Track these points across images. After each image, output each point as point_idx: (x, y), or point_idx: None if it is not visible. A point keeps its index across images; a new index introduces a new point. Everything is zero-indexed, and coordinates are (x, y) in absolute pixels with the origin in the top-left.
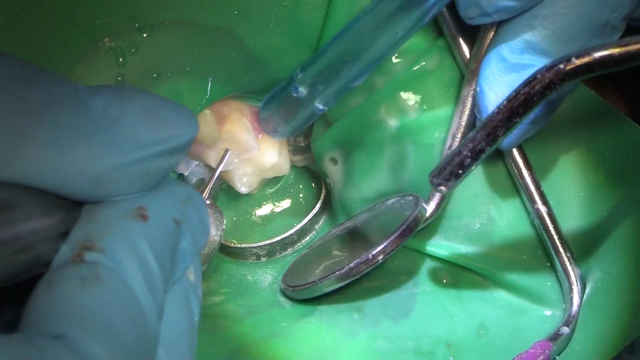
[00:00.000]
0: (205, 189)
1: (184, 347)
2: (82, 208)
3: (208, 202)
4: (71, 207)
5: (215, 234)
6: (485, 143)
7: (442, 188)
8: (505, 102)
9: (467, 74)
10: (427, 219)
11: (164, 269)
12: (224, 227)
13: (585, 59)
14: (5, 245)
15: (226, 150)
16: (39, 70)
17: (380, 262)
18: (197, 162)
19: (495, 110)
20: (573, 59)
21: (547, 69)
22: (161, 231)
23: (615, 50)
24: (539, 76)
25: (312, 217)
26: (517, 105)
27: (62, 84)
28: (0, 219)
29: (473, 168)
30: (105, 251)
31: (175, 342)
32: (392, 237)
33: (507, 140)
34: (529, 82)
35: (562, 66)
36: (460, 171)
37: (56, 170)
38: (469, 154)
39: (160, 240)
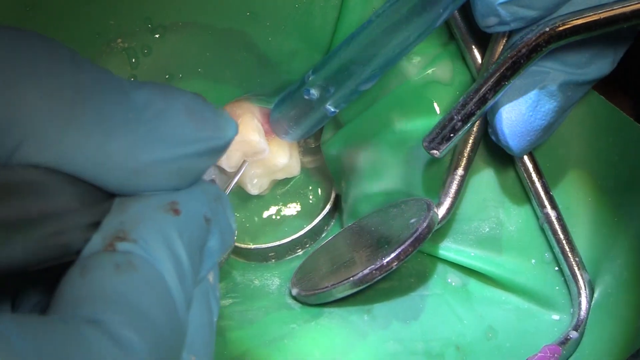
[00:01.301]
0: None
1: (204, 345)
2: (113, 200)
3: None
4: (103, 198)
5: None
6: (475, 107)
7: (435, 152)
8: (494, 66)
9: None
10: (438, 223)
11: (194, 264)
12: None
13: (570, 23)
14: (37, 227)
15: (244, 162)
16: (84, 58)
17: (394, 268)
18: None
19: (485, 74)
20: (558, 23)
21: (534, 32)
22: (192, 226)
23: (599, 15)
24: (525, 39)
25: (322, 218)
26: (505, 69)
27: (107, 73)
28: (35, 200)
29: (464, 132)
30: (139, 241)
31: (196, 339)
32: (406, 244)
33: (520, 146)
34: (516, 45)
35: (547, 29)
36: (451, 134)
37: (96, 158)
38: (459, 118)
39: (192, 235)
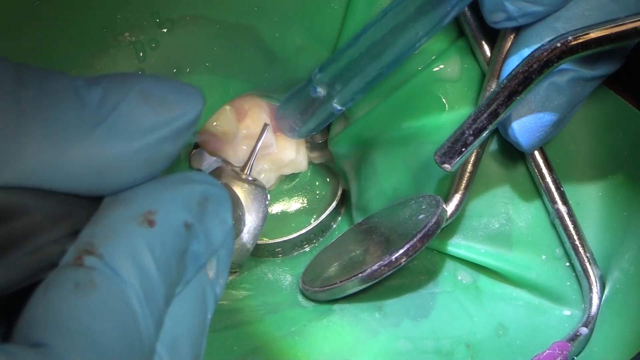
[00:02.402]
0: (246, 165)
1: (190, 345)
2: (98, 204)
3: (249, 178)
4: (84, 204)
5: (255, 217)
6: (486, 121)
7: (447, 166)
8: (505, 81)
9: (487, 75)
10: (447, 220)
11: (168, 276)
12: (267, 203)
13: (582, 38)
14: (10, 251)
15: (265, 125)
16: (31, 69)
17: (402, 264)
18: (215, 158)
19: (496, 89)
20: (570, 38)
21: (545, 48)
22: (168, 237)
23: (611, 30)
24: (537, 55)
25: (329, 214)
26: (516, 84)
27: (55, 80)
28: (2, 225)
29: (475, 145)
30: (105, 257)
31: (182, 340)
32: (415, 240)
33: (530, 142)
34: (527, 61)
35: (559, 44)
36: (463, 149)
37: (56, 168)
38: (471, 132)
39: (166, 247)
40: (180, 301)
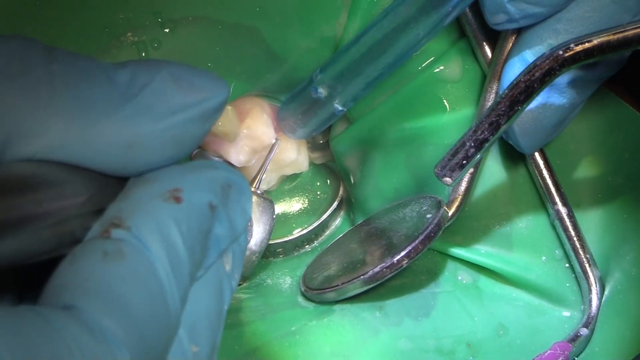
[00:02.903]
0: (256, 179)
1: (208, 332)
2: (124, 185)
3: (258, 192)
4: (111, 184)
5: (263, 229)
6: (488, 132)
7: (447, 179)
8: (506, 90)
9: (488, 77)
10: (448, 221)
11: (193, 253)
12: (274, 217)
13: (584, 45)
14: (34, 221)
15: (277, 140)
16: (61, 49)
17: (404, 266)
18: (216, 158)
19: (497, 100)
20: (572, 45)
21: (547, 56)
22: (193, 215)
23: (613, 36)
24: (538, 63)
25: (330, 214)
26: (518, 93)
27: (86, 60)
28: (28, 195)
29: (477, 158)
30: (132, 229)
31: (200, 326)
32: (417, 241)
33: (530, 143)
34: (529, 70)
35: (561, 52)
36: (464, 162)
37: (84, 143)
38: (472, 144)
39: (191, 224)
40: (200, 287)
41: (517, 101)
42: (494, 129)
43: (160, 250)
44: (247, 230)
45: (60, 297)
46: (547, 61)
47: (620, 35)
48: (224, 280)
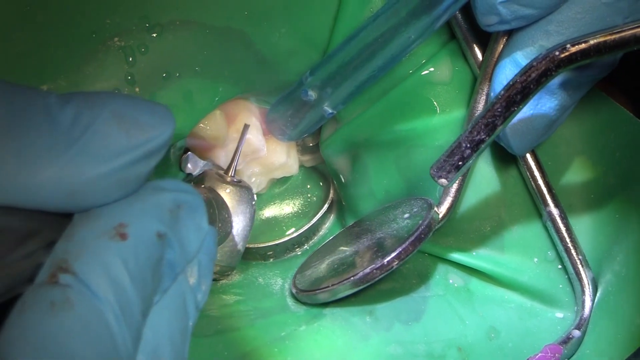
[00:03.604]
0: (230, 167)
1: (170, 353)
2: (70, 216)
3: (235, 180)
4: (56, 217)
5: (243, 218)
6: (484, 134)
7: (443, 180)
8: (502, 91)
9: (479, 78)
10: (438, 223)
11: (144, 288)
12: (254, 203)
13: (581, 46)
14: None
15: (245, 125)
16: (3, 85)
17: (395, 268)
18: (205, 162)
19: (494, 100)
20: (568, 46)
21: (543, 57)
22: (141, 249)
23: (610, 37)
24: (535, 64)
25: (320, 217)
26: (514, 94)
27: (27, 97)
28: None
29: (473, 159)
30: (79, 274)
31: (162, 349)
32: (407, 243)
33: (521, 145)
34: (525, 70)
35: (557, 53)
36: (460, 163)
37: (26, 190)
38: (468, 145)
39: (140, 259)
40: (160, 310)
41: (513, 102)
42: (490, 129)
43: (108, 295)
44: (211, 238)
45: (9, 355)
46: (544, 62)
47: (617, 35)
48: (187, 295)
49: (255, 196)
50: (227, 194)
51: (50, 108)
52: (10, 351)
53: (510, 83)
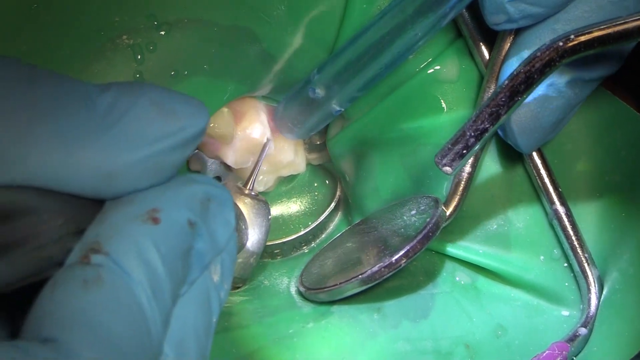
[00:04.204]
0: (249, 181)
1: (195, 347)
2: (102, 204)
3: (252, 193)
4: (88, 205)
5: (259, 231)
6: (488, 123)
7: (448, 168)
8: (506, 81)
9: (486, 77)
10: (445, 220)
11: (174, 273)
12: (270, 217)
13: (584, 37)
14: (13, 248)
15: (268, 140)
16: (44, 71)
17: (403, 266)
18: (213, 160)
19: (498, 90)
20: (572, 37)
21: (547, 47)
22: (172, 234)
23: (613, 28)
24: (539, 54)
25: (327, 215)
26: (518, 84)
27: (68, 83)
28: (6, 223)
29: (477, 147)
30: (111, 254)
31: (187, 341)
32: (415, 241)
33: (528, 143)
34: (529, 60)
35: (561, 44)
36: (464, 151)
37: (64, 170)
38: (472, 134)
39: (171, 244)
40: (186, 302)
41: (517, 92)
42: (494, 119)
43: (140, 275)
44: (234, 239)
45: (42, 330)
46: (548, 52)
47: (621, 27)
48: (211, 292)
49: (270, 210)
50: (245, 205)
51: (89, 93)
52: (43, 326)
53: (514, 73)
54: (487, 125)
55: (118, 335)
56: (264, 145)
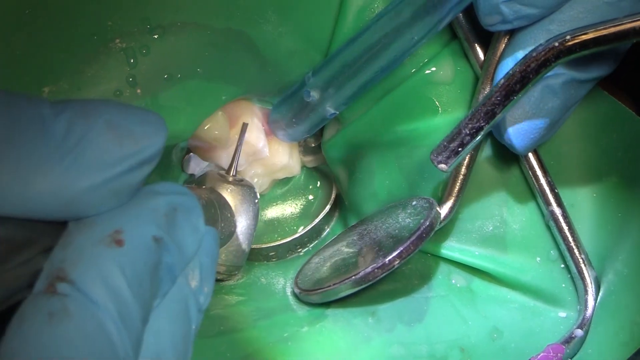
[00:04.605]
0: (231, 167)
1: (172, 358)
2: (66, 223)
3: (236, 179)
4: (52, 224)
5: (246, 217)
6: (483, 121)
7: (443, 166)
8: (502, 80)
9: (481, 78)
10: (440, 222)
11: (142, 294)
12: (257, 201)
13: (580, 37)
14: None
15: (244, 124)
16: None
17: (396, 267)
18: (207, 163)
19: (494, 89)
20: (568, 37)
21: (543, 47)
22: (138, 255)
23: (609, 29)
24: (534, 55)
25: (323, 218)
26: (514, 83)
27: (22, 108)
28: None
29: (472, 145)
30: (77, 283)
31: (163, 353)
32: (408, 242)
33: (524, 144)
34: (525, 61)
35: (556, 44)
36: (460, 149)
37: (21, 200)
38: (468, 132)
39: (137, 265)
40: (160, 314)
41: (512, 91)
42: (489, 117)
43: (106, 302)
44: (213, 239)
45: None
46: (543, 52)
47: (616, 28)
48: (189, 299)
49: (258, 194)
50: (229, 193)
51: (44, 118)
52: None
53: (510, 73)
54: (483, 124)
55: None
56: (242, 128)
